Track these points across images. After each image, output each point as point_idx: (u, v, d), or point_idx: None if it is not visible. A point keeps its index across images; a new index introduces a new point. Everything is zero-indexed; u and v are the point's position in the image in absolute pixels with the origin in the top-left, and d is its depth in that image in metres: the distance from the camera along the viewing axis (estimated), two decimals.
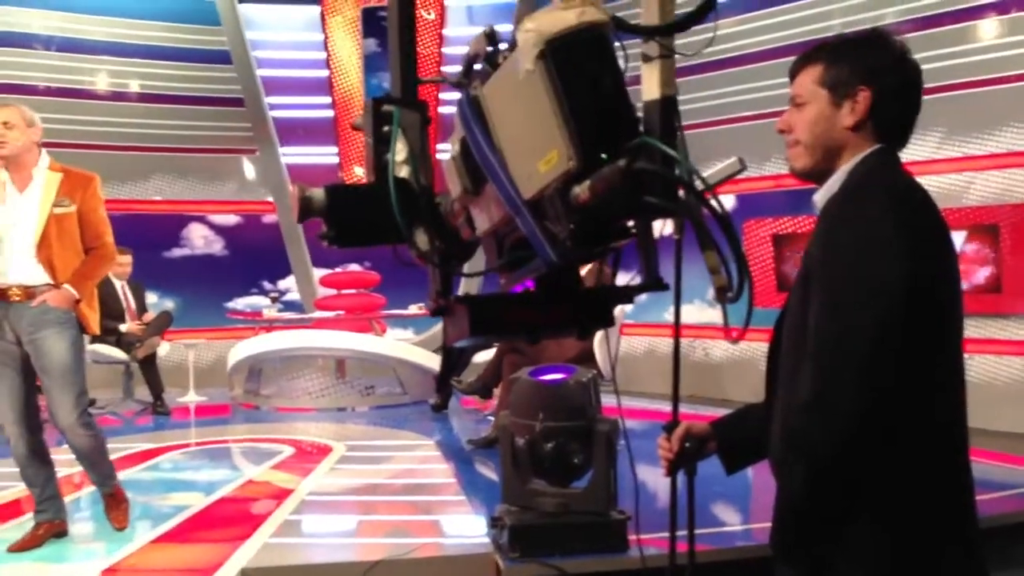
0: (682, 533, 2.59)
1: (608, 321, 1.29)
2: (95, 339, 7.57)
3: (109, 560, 4.06)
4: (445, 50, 10.85)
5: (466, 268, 1.41)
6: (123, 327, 8.30)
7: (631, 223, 1.16)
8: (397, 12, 1.34)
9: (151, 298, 9.38)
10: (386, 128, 1.31)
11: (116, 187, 9.54)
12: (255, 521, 4.62)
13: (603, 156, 1.03)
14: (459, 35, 10.78)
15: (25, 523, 4.47)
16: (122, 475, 4.72)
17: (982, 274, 6.91)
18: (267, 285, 10.58)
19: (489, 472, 5.81)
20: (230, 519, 4.76)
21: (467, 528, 4.71)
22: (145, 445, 6.74)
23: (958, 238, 6.69)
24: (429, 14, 10.69)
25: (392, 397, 8.55)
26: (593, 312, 1.28)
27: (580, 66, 1.04)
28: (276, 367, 8.93)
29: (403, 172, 1.29)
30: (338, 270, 10.24)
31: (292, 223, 10.55)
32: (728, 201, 8.31)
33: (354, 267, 10.28)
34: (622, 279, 1.33)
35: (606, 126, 1.05)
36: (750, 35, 8.30)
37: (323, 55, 11.04)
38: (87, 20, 10.04)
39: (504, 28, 1.24)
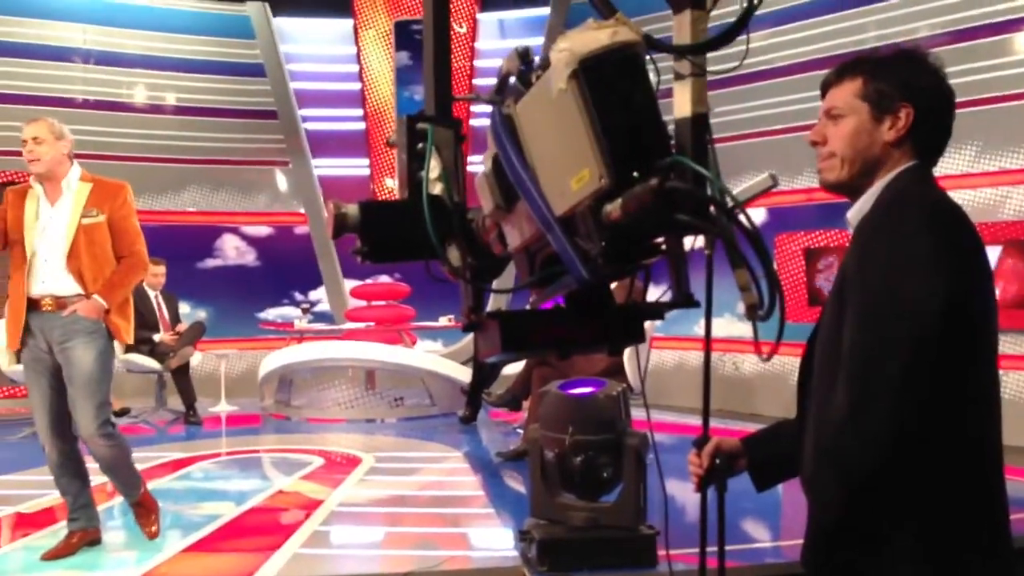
0: (712, 549, 2.57)
1: (639, 337, 1.30)
2: (129, 348, 7.69)
3: (140, 569, 4.10)
4: (477, 63, 10.91)
5: (496, 284, 1.42)
6: (156, 337, 8.39)
7: (662, 240, 1.17)
8: (432, 29, 1.36)
9: (184, 308, 9.48)
10: (420, 145, 1.32)
11: (151, 198, 9.68)
12: (285, 531, 4.65)
13: (635, 174, 1.04)
14: (491, 48, 10.83)
15: (58, 531, 4.53)
16: (154, 484, 4.76)
17: (1018, 290, 6.83)
18: (298, 296, 10.66)
19: (517, 485, 5.81)
20: (260, 529, 4.79)
21: (495, 541, 4.71)
22: (177, 454, 6.81)
23: (993, 253, 6.62)
24: (461, 27, 10.75)
25: (421, 409, 8.57)
26: (624, 328, 1.29)
27: (612, 85, 1.05)
28: (306, 378, 8.99)
29: (436, 189, 1.31)
30: (368, 282, 10.29)
31: (324, 235, 10.63)
32: (759, 215, 8.27)
33: (384, 279, 10.33)
34: (652, 294, 1.33)
35: (638, 145, 1.05)
36: (782, 48, 8.28)
37: (356, 68, 11.14)
38: (125, 34, 10.20)
39: (535, 41, 1.25)
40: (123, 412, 8.46)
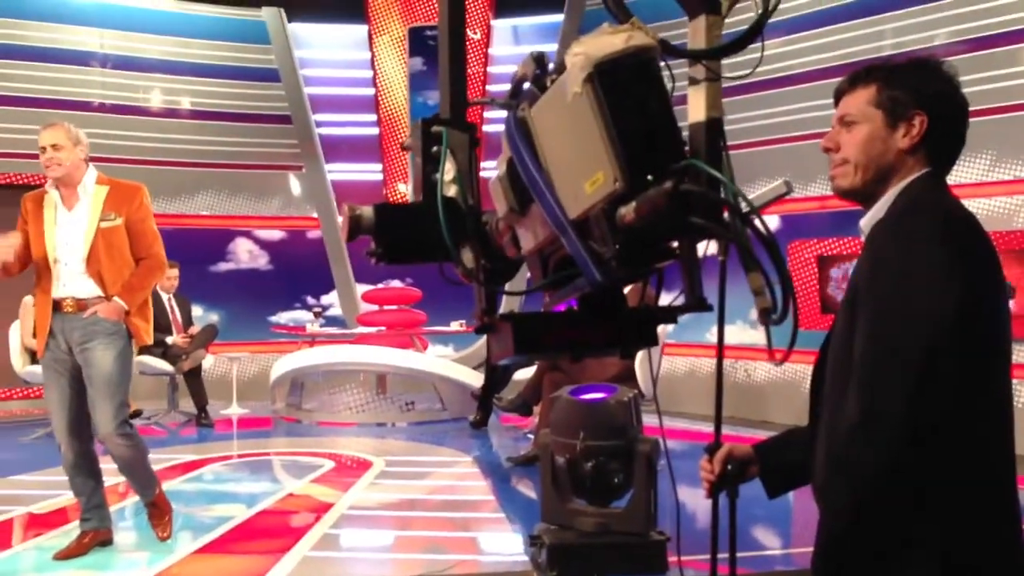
0: (723, 556, 2.57)
1: (652, 341, 1.30)
2: (141, 351, 7.71)
3: (151, 570, 4.12)
4: (491, 69, 10.93)
5: (508, 287, 1.42)
6: (169, 340, 8.43)
7: (676, 244, 1.17)
8: (448, 33, 1.36)
9: (197, 311, 9.51)
10: (435, 148, 1.33)
11: (166, 202, 9.72)
12: (295, 534, 4.66)
13: (649, 178, 1.04)
14: (505, 54, 10.85)
15: (70, 531, 4.56)
16: (165, 486, 4.78)
17: None
18: (310, 300, 10.69)
19: (527, 490, 5.80)
20: (271, 532, 4.81)
21: (505, 546, 4.71)
22: (188, 456, 6.83)
23: (1007, 262, 6.58)
24: (475, 34, 10.78)
25: (432, 413, 8.58)
26: (637, 332, 1.29)
27: (627, 89, 1.06)
28: (318, 381, 9.01)
29: (451, 192, 1.31)
30: (380, 286, 10.31)
31: (336, 239, 10.67)
32: (773, 222, 8.26)
33: (396, 283, 10.35)
34: (665, 300, 1.33)
35: (652, 148, 1.06)
36: (797, 55, 8.26)
37: (370, 73, 11.17)
38: (141, 39, 10.26)
39: (549, 47, 1.26)
40: (135, 414, 8.49)
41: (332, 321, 10.37)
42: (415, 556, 4.45)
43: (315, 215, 10.90)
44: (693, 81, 1.17)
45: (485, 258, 1.32)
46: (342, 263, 10.76)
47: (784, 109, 8.37)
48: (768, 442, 2.12)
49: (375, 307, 9.71)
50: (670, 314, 1.25)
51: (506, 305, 1.78)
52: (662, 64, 1.10)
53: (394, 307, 9.61)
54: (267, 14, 10.73)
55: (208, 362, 8.74)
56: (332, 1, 11.05)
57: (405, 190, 10.96)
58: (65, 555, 4.26)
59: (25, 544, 4.62)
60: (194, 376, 8.41)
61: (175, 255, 7.97)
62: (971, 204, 1.76)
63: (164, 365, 8.34)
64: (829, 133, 1.84)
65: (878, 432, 1.59)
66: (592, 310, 1.26)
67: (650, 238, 1.09)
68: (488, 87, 10.71)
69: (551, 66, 1.19)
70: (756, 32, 1.19)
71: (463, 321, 9.26)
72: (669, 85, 1.10)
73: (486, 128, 9.44)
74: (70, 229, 4.27)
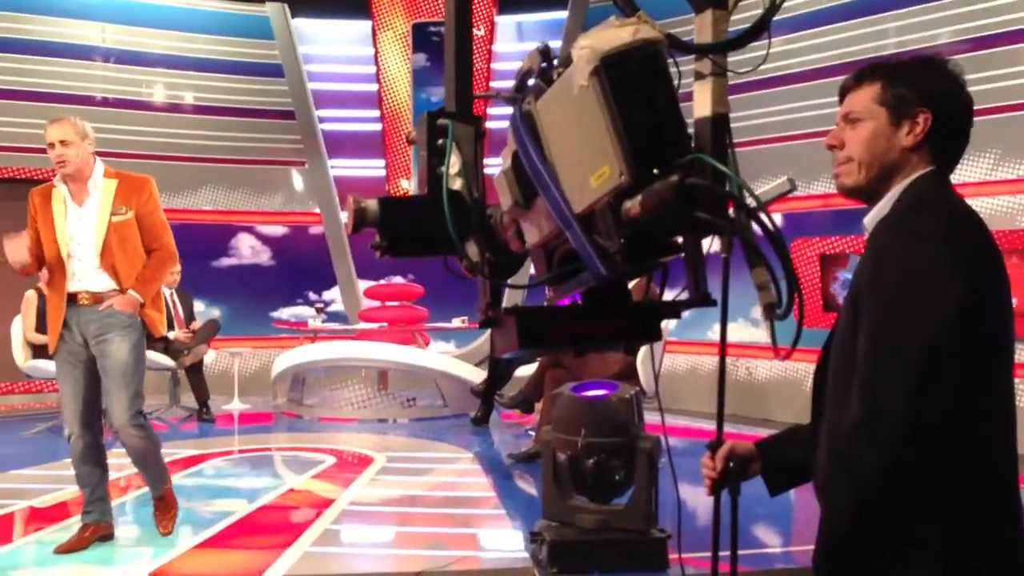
0: (724, 553, 2.57)
1: (655, 335, 1.29)
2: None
3: (153, 565, 4.12)
4: (494, 66, 10.92)
5: (511, 281, 1.42)
6: (171, 335, 8.43)
7: (680, 239, 1.17)
8: (454, 28, 1.36)
9: (199, 306, 9.52)
10: (440, 141, 1.33)
11: (168, 197, 9.66)
12: (296, 530, 4.66)
13: (655, 172, 1.04)
14: (508, 51, 10.84)
15: (71, 526, 4.56)
16: None
17: None
18: (312, 296, 10.69)
19: (528, 487, 5.80)
20: (272, 527, 4.81)
21: (506, 542, 4.71)
22: (190, 451, 6.84)
23: (1011, 261, 6.58)
24: (479, 30, 10.77)
25: (433, 409, 8.58)
26: (641, 326, 1.28)
27: (634, 83, 1.05)
28: (319, 377, 9.02)
29: (456, 184, 1.31)
30: (382, 282, 10.31)
31: (338, 234, 10.67)
32: (775, 220, 8.25)
33: (398, 279, 10.35)
34: (668, 296, 1.33)
35: (658, 142, 1.05)
36: (800, 54, 8.25)
37: (373, 69, 11.17)
38: (144, 33, 10.26)
39: (553, 44, 1.25)
40: None
41: (334, 317, 10.38)
42: (416, 552, 4.45)
43: (317, 211, 10.90)
44: (699, 76, 1.17)
45: (490, 252, 1.32)
46: (344, 259, 10.76)
47: (786, 107, 8.37)
48: (770, 440, 2.12)
49: (377, 303, 9.71)
50: (674, 309, 1.25)
51: (508, 300, 1.77)
52: (669, 59, 1.10)
53: (396, 303, 9.61)
54: (271, 9, 10.72)
55: (210, 357, 8.74)
56: None
57: (408, 186, 10.96)
58: (66, 549, 4.26)
59: (26, 538, 4.63)
60: (196, 371, 8.41)
61: (177, 250, 7.98)
62: (974, 203, 1.75)
63: (166, 360, 8.34)
64: (833, 130, 1.83)
65: (880, 431, 1.59)
66: (596, 304, 1.26)
67: (655, 232, 1.09)
68: (492, 84, 10.71)
69: (557, 59, 1.18)
70: (763, 27, 1.18)
71: (465, 317, 9.27)
72: (675, 80, 1.10)
73: (489, 124, 9.43)
74: (81, 224, 4.30)
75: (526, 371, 7.11)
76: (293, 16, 10.79)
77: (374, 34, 11.16)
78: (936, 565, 1.63)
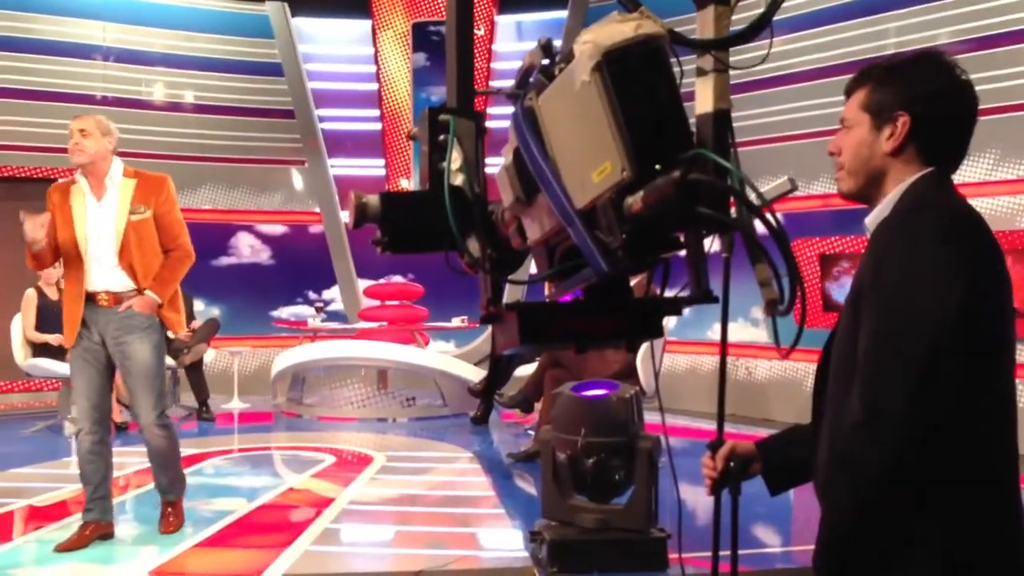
0: (724, 553, 2.56)
1: (657, 332, 1.29)
2: None
3: (153, 564, 4.12)
4: (494, 65, 10.92)
5: (513, 276, 1.41)
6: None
7: (682, 235, 1.16)
8: (455, 23, 1.36)
9: (198, 305, 9.51)
10: (442, 137, 1.32)
11: None
12: (296, 529, 4.66)
13: (657, 167, 1.04)
14: (508, 51, 10.84)
15: (71, 524, 4.56)
16: None
17: None
18: (312, 295, 10.69)
19: (527, 486, 5.80)
20: (272, 526, 4.81)
21: (505, 542, 4.70)
22: (189, 450, 6.81)
23: (1011, 261, 6.57)
24: (479, 30, 10.76)
25: (433, 409, 8.58)
26: (643, 323, 1.28)
27: (636, 78, 1.05)
28: (319, 376, 9.02)
29: (458, 180, 1.31)
30: (382, 281, 10.31)
31: (338, 234, 10.66)
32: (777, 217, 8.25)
33: (398, 279, 10.35)
34: (669, 295, 1.32)
35: (660, 138, 1.05)
36: (800, 54, 8.25)
37: (373, 68, 11.17)
38: (144, 32, 10.26)
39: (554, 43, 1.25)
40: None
41: (333, 316, 10.37)
42: (415, 551, 4.45)
43: (317, 210, 10.90)
44: (701, 72, 1.16)
45: (491, 248, 1.31)
46: (344, 258, 10.76)
47: (786, 107, 8.37)
48: (770, 439, 2.11)
49: (376, 302, 9.71)
50: (676, 305, 1.25)
51: (509, 297, 1.76)
52: (671, 55, 1.10)
53: (395, 302, 9.61)
54: (271, 8, 10.72)
55: (209, 356, 8.73)
56: None
57: (407, 186, 10.95)
58: (66, 547, 4.26)
59: (26, 537, 4.62)
60: (195, 370, 8.41)
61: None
62: (974, 204, 1.74)
63: (166, 359, 8.32)
64: (835, 136, 1.84)
65: (881, 431, 1.58)
66: (598, 301, 1.25)
67: (657, 228, 1.08)
68: (492, 83, 10.70)
69: (558, 55, 1.18)
70: (765, 22, 1.18)
71: (465, 317, 9.27)
72: (677, 76, 1.10)
73: (490, 124, 9.43)
74: (100, 222, 4.33)
75: (526, 371, 7.11)
76: (293, 15, 10.78)
77: (374, 33, 11.16)
78: (936, 564, 1.63)
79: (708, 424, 5.30)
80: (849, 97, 1.82)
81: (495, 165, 1.30)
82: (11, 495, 5.37)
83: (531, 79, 1.22)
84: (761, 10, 1.21)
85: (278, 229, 10.84)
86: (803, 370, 8.04)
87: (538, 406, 6.62)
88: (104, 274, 4.32)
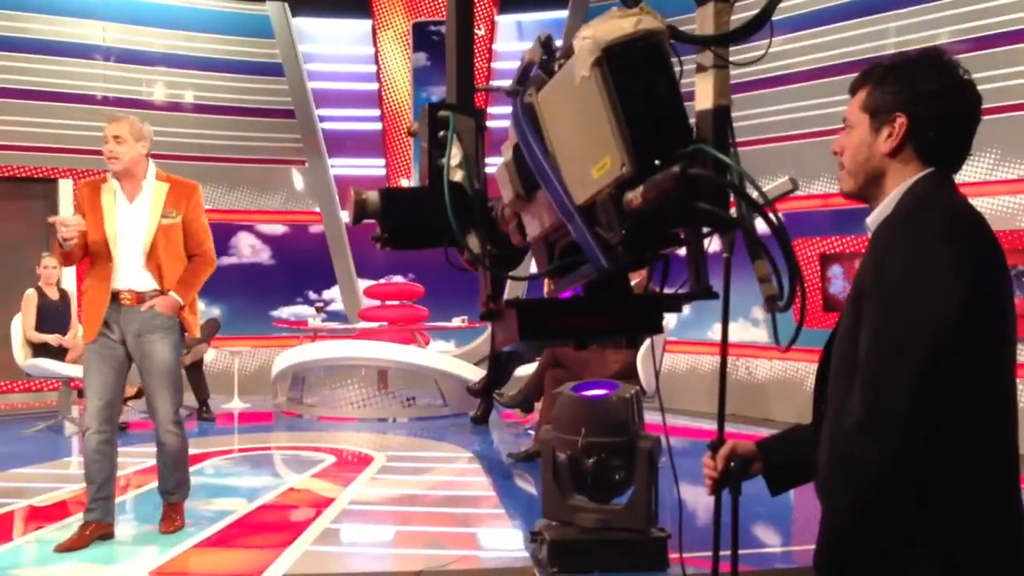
0: (725, 553, 2.56)
1: (657, 328, 1.29)
2: None
3: (153, 564, 4.12)
4: (495, 65, 10.92)
5: (512, 273, 1.41)
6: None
7: (682, 231, 1.16)
8: (455, 19, 1.36)
9: (199, 305, 9.49)
10: (441, 133, 1.32)
11: None
12: (296, 528, 4.66)
13: (657, 163, 1.03)
14: (508, 50, 10.84)
15: (71, 525, 4.56)
16: None
17: None
18: (312, 295, 10.69)
19: (528, 486, 5.80)
20: (272, 526, 4.81)
21: (505, 542, 4.70)
22: (190, 450, 6.79)
23: (1012, 261, 6.56)
24: (479, 30, 10.76)
25: (433, 409, 8.58)
26: (642, 319, 1.28)
27: (636, 73, 1.05)
28: (319, 376, 9.01)
29: (457, 176, 1.30)
30: (382, 281, 10.31)
31: (338, 234, 10.66)
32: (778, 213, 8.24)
33: (398, 279, 10.34)
34: (668, 291, 1.32)
35: (660, 133, 1.05)
36: (800, 53, 8.25)
37: (373, 68, 11.17)
38: (145, 32, 10.25)
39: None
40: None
41: (334, 316, 10.37)
42: (415, 551, 4.44)
43: (317, 210, 10.89)
44: (701, 68, 1.16)
45: (491, 244, 1.31)
46: (344, 258, 10.75)
47: (787, 107, 8.36)
48: (771, 439, 2.11)
49: (377, 302, 9.71)
50: (676, 302, 1.25)
51: (509, 294, 1.75)
52: (671, 51, 1.09)
53: (396, 302, 9.60)
54: (271, 8, 10.71)
55: (210, 356, 8.73)
56: None
57: (408, 184, 10.94)
58: (66, 547, 4.25)
59: (26, 537, 4.62)
60: (196, 370, 8.40)
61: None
62: (974, 204, 1.74)
63: None
64: (839, 136, 1.84)
65: (882, 430, 1.58)
66: (598, 297, 1.25)
67: (657, 224, 1.08)
68: (491, 82, 10.69)
69: (559, 52, 1.18)
70: (765, 18, 1.18)
71: (465, 317, 9.26)
72: (677, 72, 1.09)
73: (490, 124, 9.42)
74: (131, 222, 4.39)
75: (526, 370, 7.11)
76: (293, 15, 10.78)
77: (374, 33, 11.15)
78: (937, 564, 1.63)
79: (708, 424, 5.29)
80: (853, 97, 1.82)
81: (495, 165, 1.30)
82: (11, 495, 5.36)
83: (531, 75, 1.22)
84: (759, 8, 1.21)
85: (278, 229, 10.83)
86: (803, 370, 8.04)
87: (538, 406, 6.61)
88: (130, 274, 4.39)
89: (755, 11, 1.20)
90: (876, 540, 1.65)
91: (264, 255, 10.75)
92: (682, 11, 1.48)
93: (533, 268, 1.38)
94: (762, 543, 4.53)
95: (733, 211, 1.12)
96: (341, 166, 10.95)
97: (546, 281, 1.41)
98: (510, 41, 10.95)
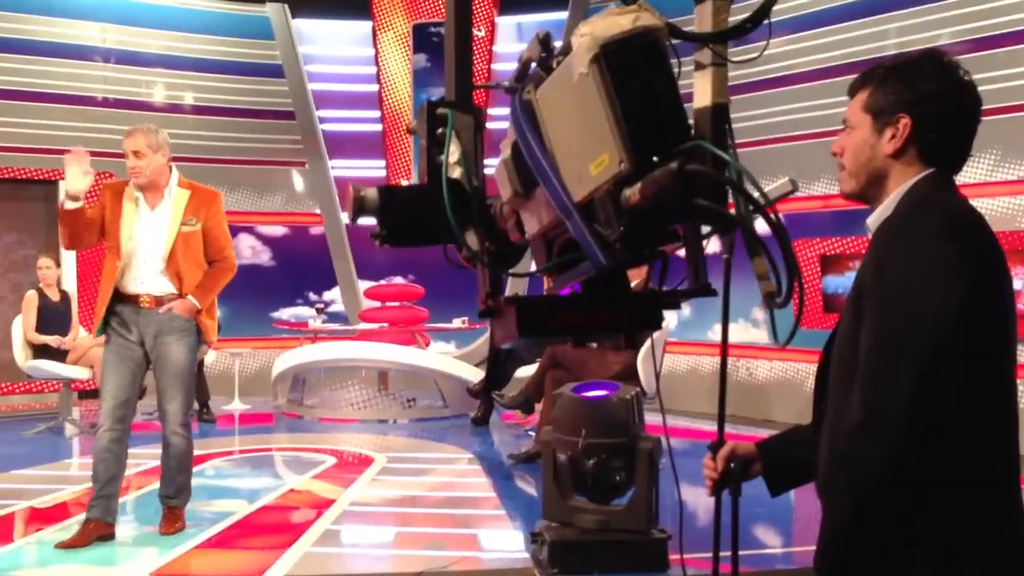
0: (725, 554, 2.56)
1: (656, 324, 1.28)
2: None
3: (153, 565, 4.12)
4: (495, 66, 10.92)
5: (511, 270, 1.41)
6: None
7: (680, 228, 1.16)
8: (454, 18, 1.36)
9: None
10: (440, 130, 1.32)
11: None
12: (297, 530, 4.65)
13: (654, 159, 1.03)
14: (508, 52, 10.84)
15: (71, 526, 4.57)
16: None
17: None
18: (312, 296, 10.68)
19: (528, 487, 5.80)
20: (272, 527, 4.80)
21: (506, 543, 4.70)
22: None
23: (1012, 262, 6.55)
24: (479, 31, 10.76)
25: (433, 410, 8.58)
26: (641, 315, 1.27)
27: (633, 70, 1.04)
28: (320, 377, 9.01)
29: (456, 173, 1.30)
30: (383, 282, 10.31)
31: (339, 235, 10.66)
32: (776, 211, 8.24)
33: (398, 280, 10.34)
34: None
35: (658, 129, 1.04)
36: (801, 55, 8.24)
37: (373, 70, 11.17)
38: (144, 33, 10.25)
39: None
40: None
41: (334, 317, 10.36)
42: (416, 552, 4.44)
43: (318, 211, 10.89)
44: (699, 66, 1.16)
45: (490, 241, 1.31)
46: (344, 259, 10.75)
47: (787, 108, 8.36)
48: (771, 440, 2.10)
49: (377, 303, 9.70)
50: (675, 298, 1.24)
51: (510, 292, 1.75)
52: (669, 47, 1.09)
53: (396, 304, 9.60)
54: (271, 9, 10.72)
55: (210, 358, 8.72)
56: None
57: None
58: (67, 544, 4.28)
59: (26, 538, 4.61)
60: (196, 371, 8.38)
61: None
62: (974, 204, 1.74)
63: None
64: (837, 137, 1.84)
65: (882, 430, 1.58)
66: (597, 294, 1.25)
67: (655, 220, 1.08)
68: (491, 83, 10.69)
69: (557, 48, 1.17)
70: (764, 14, 1.17)
71: (465, 318, 9.26)
72: (675, 69, 1.09)
73: (489, 125, 9.42)
74: (152, 229, 4.46)
75: (527, 372, 7.11)
76: (293, 16, 10.78)
77: (374, 34, 11.16)
78: (937, 564, 1.62)
79: (709, 425, 5.28)
80: (852, 98, 1.82)
81: (495, 166, 1.29)
82: (12, 497, 5.36)
83: (529, 73, 1.21)
84: (757, 6, 1.21)
85: (279, 230, 10.83)
86: (803, 371, 8.03)
87: (539, 407, 6.61)
88: (149, 278, 4.45)
89: (753, 9, 1.20)
90: (876, 540, 1.65)
91: (264, 256, 10.74)
92: (682, 12, 1.47)
93: (533, 266, 1.38)
94: (762, 544, 4.52)
95: (733, 212, 1.12)
96: (341, 167, 10.95)
97: (545, 278, 1.41)
98: (510, 42, 10.95)
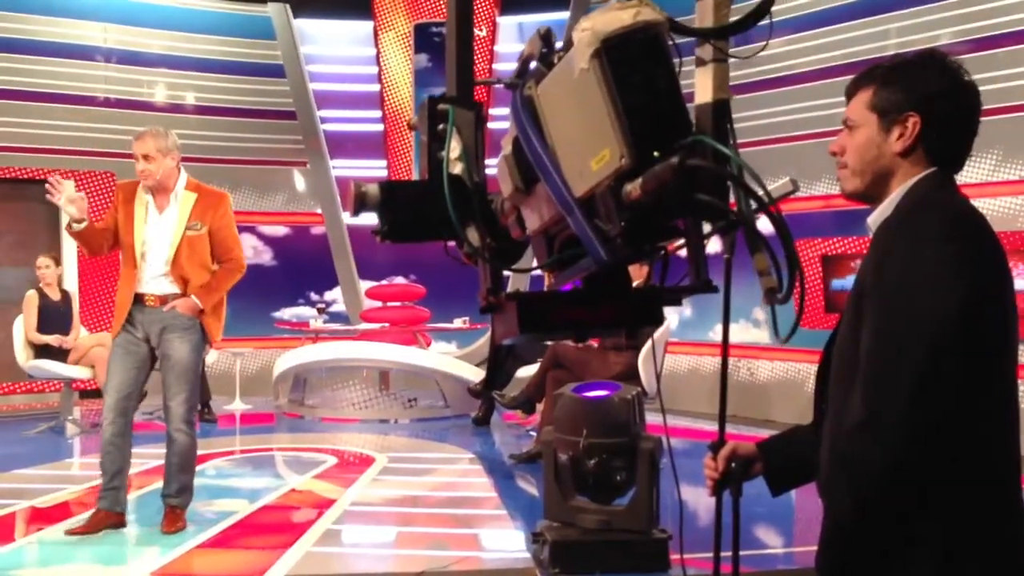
0: (726, 554, 2.55)
1: (658, 320, 1.28)
2: None
3: (154, 564, 4.11)
4: (496, 66, 10.92)
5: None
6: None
7: (681, 223, 1.15)
8: (455, 14, 1.35)
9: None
10: (441, 126, 1.32)
11: None
12: (298, 530, 4.65)
13: (655, 154, 1.03)
14: (510, 51, 10.84)
15: (71, 526, 4.56)
16: None
17: None
18: (314, 296, 10.68)
19: (529, 487, 5.79)
20: (273, 527, 4.80)
21: (507, 543, 4.70)
22: None
23: (1013, 262, 6.55)
24: (480, 31, 10.77)
25: (434, 410, 8.57)
26: (643, 311, 1.27)
27: (634, 65, 1.04)
28: (321, 377, 9.01)
29: (457, 169, 1.30)
30: (384, 282, 10.31)
31: (340, 235, 10.66)
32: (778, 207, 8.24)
33: (400, 280, 10.34)
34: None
35: (659, 124, 1.04)
36: (801, 54, 8.24)
37: (375, 70, 11.17)
38: (146, 33, 10.25)
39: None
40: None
41: (335, 317, 10.36)
42: (417, 552, 4.44)
43: (319, 211, 10.89)
44: (700, 62, 1.16)
45: (491, 237, 1.30)
46: (346, 259, 10.75)
47: (788, 108, 8.35)
48: (772, 440, 2.10)
49: (378, 303, 9.70)
50: (676, 294, 1.24)
51: (511, 287, 1.74)
52: (670, 43, 1.09)
53: (397, 303, 9.60)
54: (272, 9, 10.72)
55: (211, 358, 8.72)
56: None
57: None
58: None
59: (28, 538, 4.61)
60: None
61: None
62: (975, 204, 1.74)
63: None
64: (837, 137, 1.83)
65: (882, 430, 1.58)
66: (598, 290, 1.25)
67: (656, 216, 1.07)
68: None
69: (558, 44, 1.17)
70: (765, 10, 1.17)
71: (467, 318, 9.26)
72: (676, 64, 1.09)
73: (490, 125, 9.42)
74: (158, 232, 4.53)
75: (528, 372, 7.11)
76: (295, 16, 10.79)
77: (376, 34, 11.16)
78: (937, 564, 1.62)
79: (709, 425, 5.28)
80: (851, 98, 1.81)
81: (495, 166, 1.29)
82: (13, 496, 5.36)
83: (530, 68, 1.21)
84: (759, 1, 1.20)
85: (280, 230, 10.83)
86: (804, 371, 8.02)
87: (540, 407, 6.60)
88: (154, 279, 4.53)
89: (754, 4, 1.20)
90: (877, 540, 1.65)
91: (266, 256, 10.74)
92: (682, 12, 1.47)
93: (534, 262, 1.37)
94: (763, 544, 4.52)
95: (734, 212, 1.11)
96: (342, 167, 10.95)
97: (546, 275, 1.40)
98: (511, 42, 10.95)
